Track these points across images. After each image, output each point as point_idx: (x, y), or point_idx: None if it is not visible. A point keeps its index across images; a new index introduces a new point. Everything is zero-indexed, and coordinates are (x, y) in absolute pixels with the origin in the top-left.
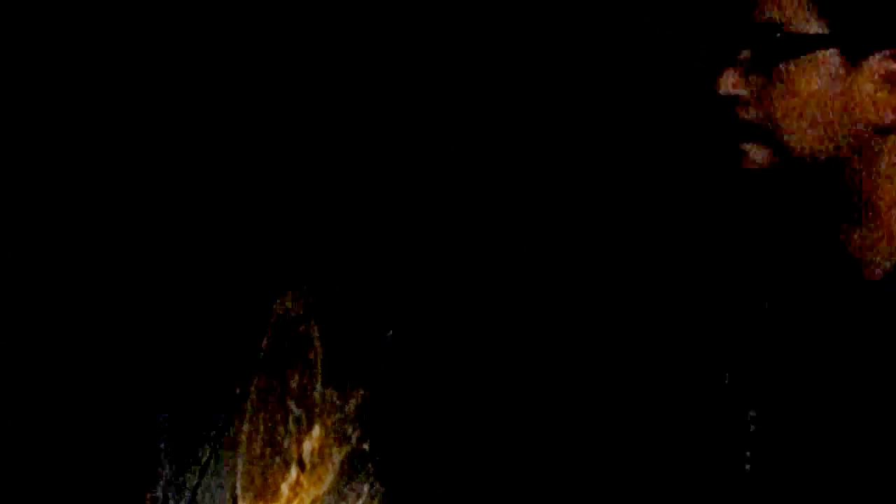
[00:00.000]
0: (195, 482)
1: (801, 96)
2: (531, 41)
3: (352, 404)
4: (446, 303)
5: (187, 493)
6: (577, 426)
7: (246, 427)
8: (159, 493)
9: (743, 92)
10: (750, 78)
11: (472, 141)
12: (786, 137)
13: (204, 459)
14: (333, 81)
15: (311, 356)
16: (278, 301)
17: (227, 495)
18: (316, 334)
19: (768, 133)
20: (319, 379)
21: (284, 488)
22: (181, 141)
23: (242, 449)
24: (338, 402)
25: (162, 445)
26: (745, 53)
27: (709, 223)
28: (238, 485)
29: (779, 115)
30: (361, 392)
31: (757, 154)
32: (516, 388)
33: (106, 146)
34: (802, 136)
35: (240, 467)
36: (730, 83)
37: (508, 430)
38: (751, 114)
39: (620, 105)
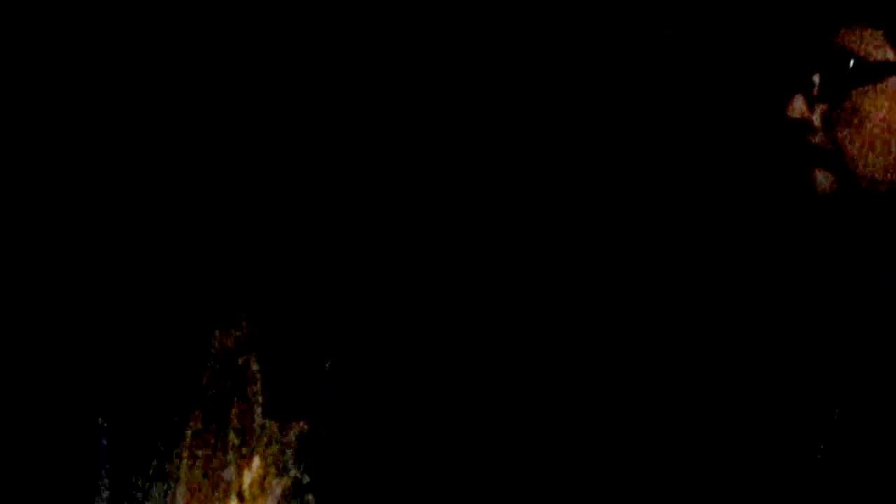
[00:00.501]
0: None
1: (872, 124)
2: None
3: (292, 435)
4: (386, 332)
5: None
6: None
7: (185, 457)
8: None
9: (813, 117)
10: (819, 104)
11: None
12: (853, 165)
13: (143, 491)
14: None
15: (251, 387)
16: (218, 332)
17: None
18: (255, 365)
19: (836, 159)
20: (259, 409)
21: None
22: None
23: (182, 479)
24: (278, 433)
25: (102, 473)
26: (816, 79)
27: (772, 243)
28: None
29: (847, 142)
30: (302, 423)
31: (823, 180)
32: (468, 418)
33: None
34: (870, 164)
35: (179, 500)
36: (799, 108)
37: (457, 460)
38: (819, 139)
39: (687, 123)
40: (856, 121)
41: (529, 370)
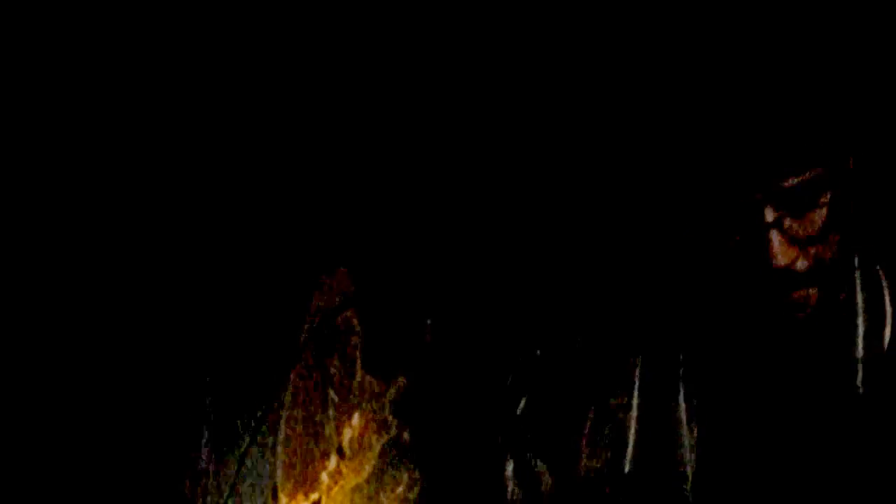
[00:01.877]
0: (235, 471)
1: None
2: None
3: (392, 392)
4: (484, 292)
5: (228, 482)
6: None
7: (285, 416)
8: (201, 481)
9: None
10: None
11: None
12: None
13: (244, 448)
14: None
15: (351, 344)
16: (318, 289)
17: (268, 484)
18: (355, 322)
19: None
20: (359, 367)
21: (324, 477)
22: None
23: (282, 438)
24: (377, 391)
25: (204, 433)
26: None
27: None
28: (278, 473)
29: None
30: (401, 380)
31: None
32: (553, 375)
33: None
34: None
35: (279, 456)
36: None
37: (544, 418)
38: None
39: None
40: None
41: None
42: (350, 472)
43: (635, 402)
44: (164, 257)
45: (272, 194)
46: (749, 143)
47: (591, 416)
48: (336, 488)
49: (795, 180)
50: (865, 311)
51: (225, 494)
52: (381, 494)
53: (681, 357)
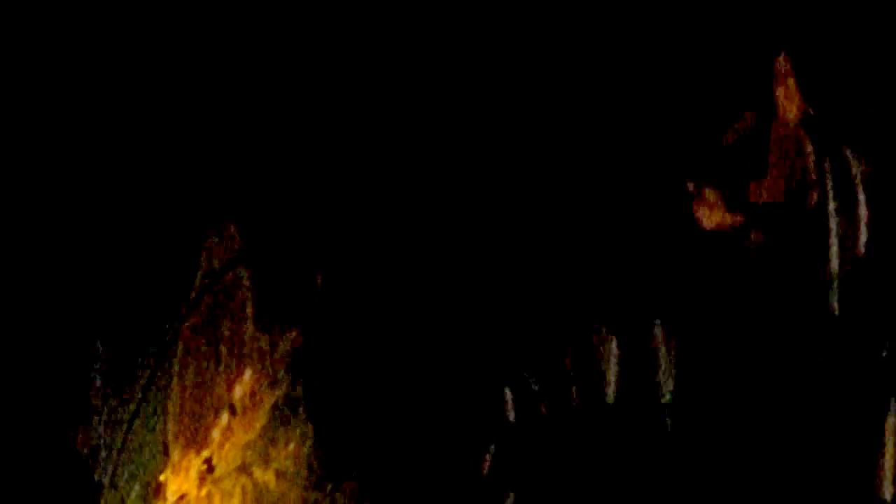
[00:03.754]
0: (126, 428)
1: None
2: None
3: (283, 348)
4: (376, 243)
5: (119, 439)
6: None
7: (176, 373)
8: (93, 433)
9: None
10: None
11: None
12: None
13: (134, 406)
14: None
15: (241, 300)
16: (208, 244)
17: (159, 440)
18: (246, 278)
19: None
20: (250, 323)
21: (216, 434)
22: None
23: (173, 395)
24: (269, 347)
25: (94, 389)
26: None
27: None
28: (169, 431)
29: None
30: (293, 335)
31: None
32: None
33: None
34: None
35: (171, 412)
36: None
37: (439, 373)
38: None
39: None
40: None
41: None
42: (241, 428)
43: (614, 339)
44: (55, 210)
45: (162, 146)
46: (659, 124)
47: (573, 352)
48: (228, 445)
49: (709, 151)
50: (838, 217)
51: (116, 450)
52: (273, 450)
53: (657, 296)
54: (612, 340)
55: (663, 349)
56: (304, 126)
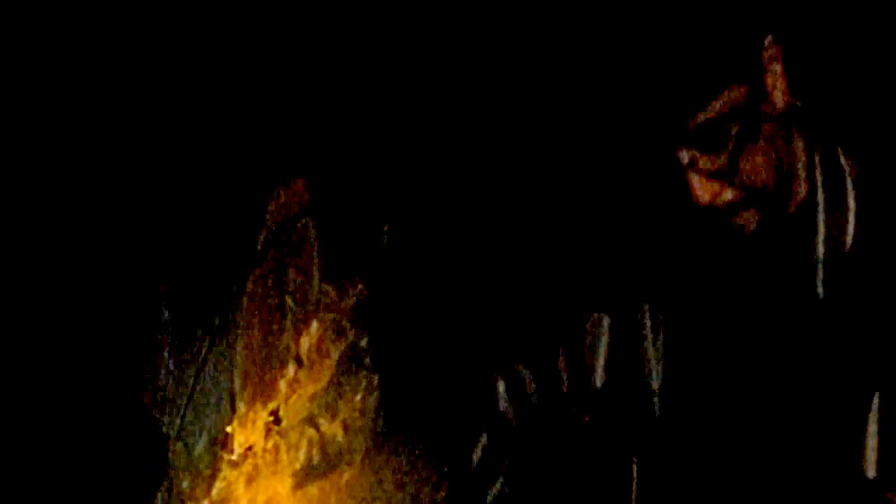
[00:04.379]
0: (193, 380)
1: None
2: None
3: (349, 299)
4: (446, 198)
5: (186, 391)
6: None
7: (243, 325)
8: (161, 384)
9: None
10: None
11: None
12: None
13: (201, 357)
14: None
15: (308, 252)
16: (274, 196)
17: (226, 392)
18: (312, 230)
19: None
20: (316, 275)
21: (282, 385)
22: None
23: (240, 347)
24: (335, 298)
25: (162, 341)
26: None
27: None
28: (236, 381)
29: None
30: (359, 287)
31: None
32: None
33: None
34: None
35: (237, 365)
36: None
37: (507, 320)
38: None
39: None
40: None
41: None
42: (308, 380)
43: (605, 321)
44: (124, 162)
45: (230, 102)
46: (649, 90)
47: (566, 334)
48: (294, 397)
49: (702, 117)
50: (826, 209)
51: (183, 404)
52: (340, 402)
53: (646, 278)
54: (602, 326)
55: (651, 333)
56: (374, 79)
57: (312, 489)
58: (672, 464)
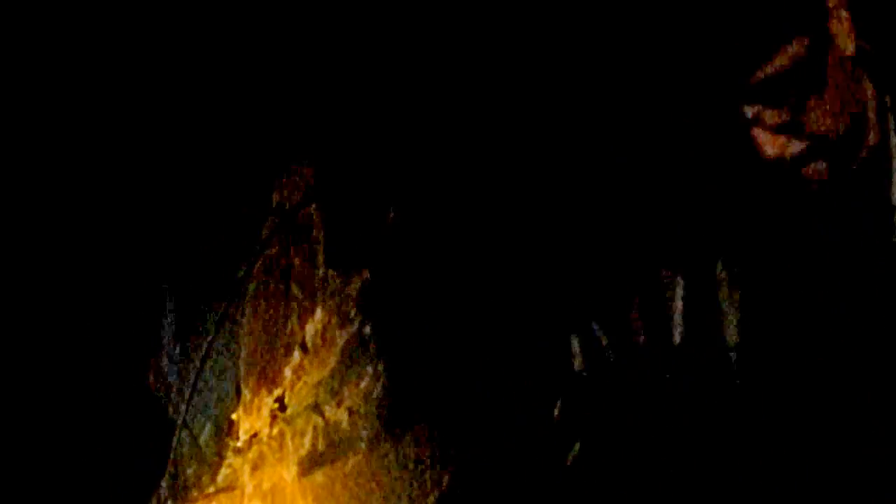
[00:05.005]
0: (199, 366)
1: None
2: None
3: (354, 286)
4: (451, 183)
5: (192, 374)
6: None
7: (248, 312)
8: (166, 372)
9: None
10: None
11: None
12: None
13: (207, 344)
14: None
15: (313, 239)
16: (279, 183)
17: (230, 380)
18: (318, 217)
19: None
20: (321, 261)
21: (287, 372)
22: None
23: (245, 334)
24: (340, 285)
25: (167, 327)
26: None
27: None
28: (241, 368)
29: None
30: (364, 274)
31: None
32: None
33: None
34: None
35: (243, 351)
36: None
37: (510, 311)
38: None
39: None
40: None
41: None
42: (313, 366)
43: (680, 279)
44: (129, 149)
45: (237, 88)
46: (710, 47)
47: (639, 292)
48: (300, 384)
49: (765, 72)
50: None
51: (188, 391)
52: (345, 389)
53: (719, 234)
54: (677, 283)
55: (726, 288)
56: (380, 67)
57: (318, 476)
58: (750, 422)
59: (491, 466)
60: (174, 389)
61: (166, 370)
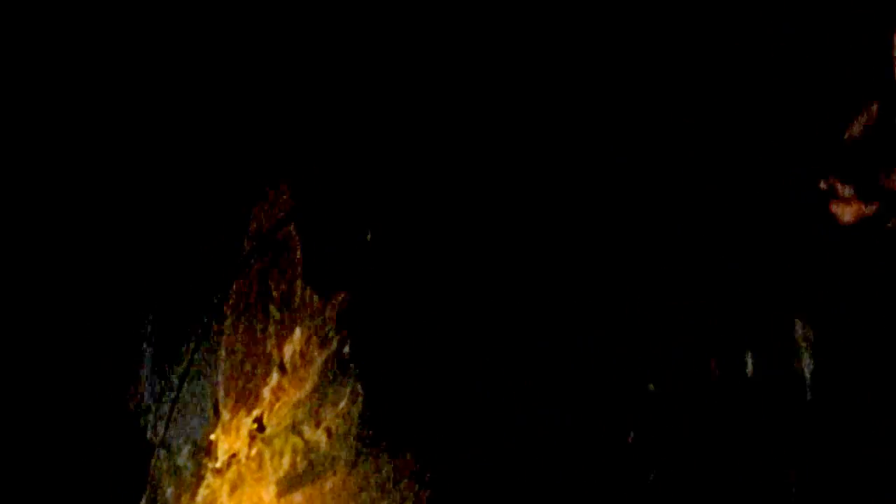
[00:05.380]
0: (177, 387)
1: None
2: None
3: (333, 306)
4: (428, 204)
5: (170, 397)
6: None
7: (227, 332)
8: (144, 394)
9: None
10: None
11: None
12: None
13: (185, 364)
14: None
15: (292, 260)
16: (257, 205)
17: (209, 400)
18: (296, 238)
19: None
20: (300, 282)
21: (266, 392)
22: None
23: (223, 354)
24: (319, 305)
25: (145, 348)
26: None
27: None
28: (220, 388)
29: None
30: (343, 294)
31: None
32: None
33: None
34: None
35: (221, 372)
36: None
37: (486, 333)
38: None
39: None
40: None
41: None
42: (292, 387)
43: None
44: (106, 170)
45: (212, 107)
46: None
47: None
48: (278, 404)
49: (841, 142)
50: None
51: (167, 412)
52: (324, 409)
53: (798, 293)
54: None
55: (805, 344)
56: (357, 86)
57: (297, 496)
58: (822, 458)
59: (468, 486)
60: (153, 411)
61: (145, 391)
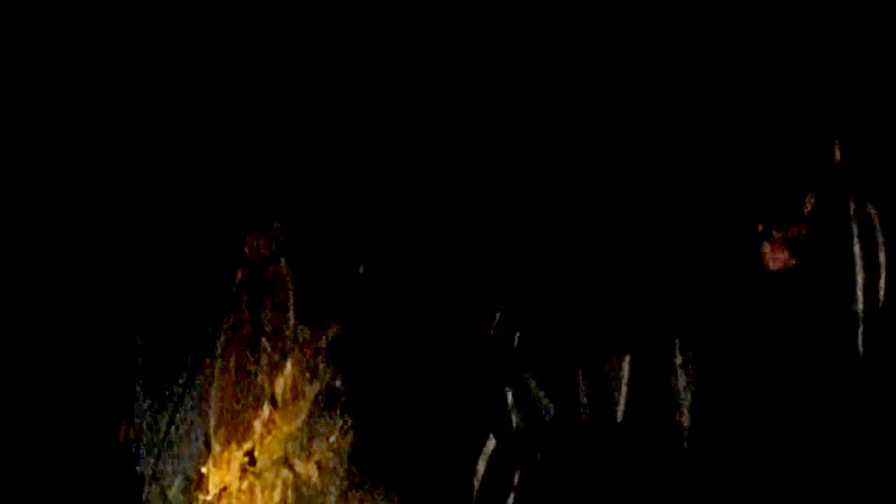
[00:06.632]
0: (168, 420)
1: None
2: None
3: (324, 340)
4: (419, 238)
5: (162, 429)
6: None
7: (218, 366)
8: (135, 428)
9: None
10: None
11: None
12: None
13: (176, 398)
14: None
15: (283, 293)
16: (249, 240)
17: (200, 433)
18: (287, 271)
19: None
20: (291, 315)
21: (257, 425)
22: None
23: (215, 387)
24: (310, 339)
25: (137, 382)
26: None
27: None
28: (211, 421)
29: None
30: (334, 328)
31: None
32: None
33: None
34: None
35: (212, 405)
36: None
37: (477, 366)
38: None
39: None
40: None
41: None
42: (283, 420)
43: (627, 360)
44: (98, 201)
45: (204, 143)
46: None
47: (584, 371)
48: (269, 437)
49: (782, 198)
50: (863, 264)
51: (158, 445)
52: (314, 442)
53: (678, 319)
54: (624, 364)
55: (682, 372)
56: (347, 118)
57: None
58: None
59: None
60: (144, 444)
61: (137, 425)
